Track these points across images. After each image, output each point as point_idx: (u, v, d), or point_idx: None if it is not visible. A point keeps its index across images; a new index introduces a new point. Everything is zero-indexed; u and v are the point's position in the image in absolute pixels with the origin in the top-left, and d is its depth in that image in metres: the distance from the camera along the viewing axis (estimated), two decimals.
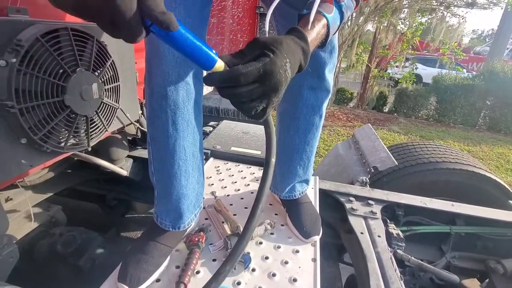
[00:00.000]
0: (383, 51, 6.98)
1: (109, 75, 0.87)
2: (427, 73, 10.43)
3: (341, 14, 0.61)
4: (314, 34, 0.55)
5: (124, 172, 1.25)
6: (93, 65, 0.80)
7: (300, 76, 0.56)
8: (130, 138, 1.54)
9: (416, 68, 7.74)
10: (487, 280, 1.29)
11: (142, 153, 1.48)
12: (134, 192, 1.60)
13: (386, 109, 7.48)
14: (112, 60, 0.87)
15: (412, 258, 1.08)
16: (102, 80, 0.85)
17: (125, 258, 0.78)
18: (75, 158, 1.34)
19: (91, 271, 1.16)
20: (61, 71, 0.71)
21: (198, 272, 0.81)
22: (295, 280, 0.81)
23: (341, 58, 7.04)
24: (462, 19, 7.63)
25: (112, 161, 1.27)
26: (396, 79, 8.22)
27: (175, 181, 0.79)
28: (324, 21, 0.57)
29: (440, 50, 7.90)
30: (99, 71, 0.83)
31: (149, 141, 0.78)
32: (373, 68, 6.93)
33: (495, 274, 1.27)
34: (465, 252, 1.40)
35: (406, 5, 6.34)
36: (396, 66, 8.66)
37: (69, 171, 1.42)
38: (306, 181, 1.08)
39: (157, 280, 0.77)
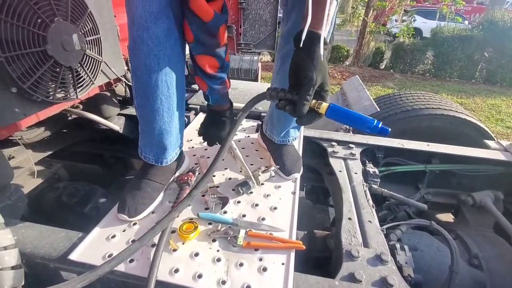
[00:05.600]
0: (380, 3, 6.66)
1: (89, 26, 0.90)
2: (428, 26, 9.94)
3: None
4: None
5: (117, 127, 1.31)
6: (71, 15, 0.82)
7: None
8: (121, 98, 1.59)
9: (414, 21, 7.44)
10: None
11: (133, 111, 1.53)
12: (130, 150, 1.68)
13: (382, 66, 7.34)
14: (90, 11, 0.89)
15: (385, 190, 1.19)
16: (82, 31, 0.87)
17: (122, 195, 0.87)
18: (70, 117, 1.40)
19: (97, 218, 1.27)
20: (39, 20, 0.74)
21: (188, 205, 0.91)
22: (275, 208, 0.92)
23: (336, 13, 6.73)
24: None
25: (104, 118, 1.32)
26: (393, 33, 7.95)
27: (158, 116, 0.82)
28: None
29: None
30: (78, 23, 0.86)
31: (131, 75, 0.79)
32: (370, 22, 6.67)
33: (466, 206, 1.39)
34: (439, 189, 1.51)
35: None
36: (395, 21, 8.32)
37: (65, 131, 1.49)
38: (298, 128, 1.14)
39: (153, 212, 0.88)
